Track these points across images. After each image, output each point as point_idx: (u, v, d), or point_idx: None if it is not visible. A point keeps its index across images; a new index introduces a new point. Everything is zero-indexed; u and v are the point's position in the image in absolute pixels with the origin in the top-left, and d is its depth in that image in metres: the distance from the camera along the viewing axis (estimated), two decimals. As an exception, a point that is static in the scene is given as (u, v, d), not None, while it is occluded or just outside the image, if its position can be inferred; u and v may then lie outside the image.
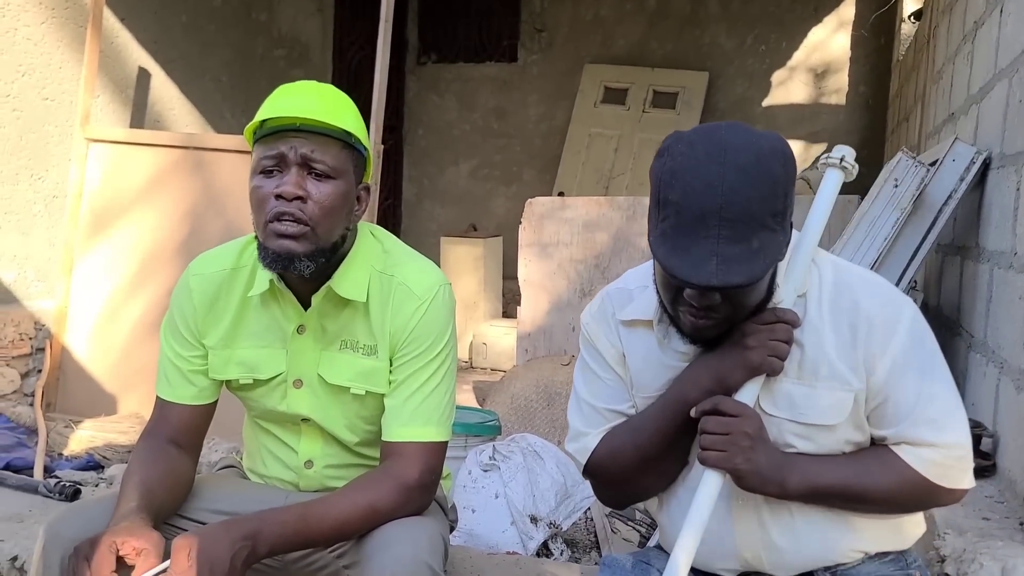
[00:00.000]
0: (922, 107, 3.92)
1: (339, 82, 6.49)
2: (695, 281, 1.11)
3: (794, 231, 1.26)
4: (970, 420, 1.93)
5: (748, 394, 1.23)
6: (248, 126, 1.41)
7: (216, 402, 1.56)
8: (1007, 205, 2.00)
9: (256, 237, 1.43)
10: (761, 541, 1.30)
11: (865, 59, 6.33)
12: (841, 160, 1.30)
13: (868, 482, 1.24)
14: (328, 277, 1.45)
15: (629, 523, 2.66)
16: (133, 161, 3.80)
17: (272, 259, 1.38)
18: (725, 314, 1.19)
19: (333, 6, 6.34)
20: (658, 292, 1.27)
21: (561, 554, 2.34)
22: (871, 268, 2.31)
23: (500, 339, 5.32)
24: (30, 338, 3.77)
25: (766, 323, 1.22)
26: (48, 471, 2.92)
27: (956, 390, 1.26)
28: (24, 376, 3.74)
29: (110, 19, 4.25)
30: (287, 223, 1.36)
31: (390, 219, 7.17)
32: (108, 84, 4.28)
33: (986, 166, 2.32)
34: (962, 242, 2.52)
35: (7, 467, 2.89)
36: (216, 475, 1.69)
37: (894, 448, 1.25)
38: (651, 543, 2.12)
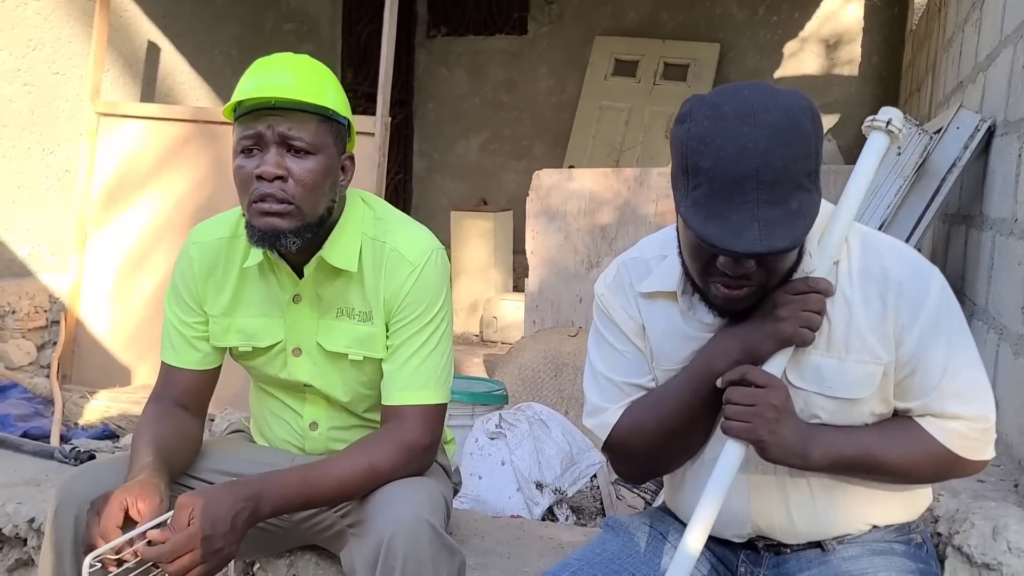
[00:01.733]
0: (932, 76, 3.88)
1: (348, 56, 6.48)
2: (739, 249, 1.07)
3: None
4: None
5: (776, 365, 1.21)
6: (226, 106, 1.40)
7: (221, 366, 1.59)
8: (1009, 172, 2.00)
9: (243, 215, 1.44)
10: (777, 511, 1.30)
11: (878, 29, 6.26)
12: (888, 123, 1.23)
13: (892, 454, 1.22)
14: (319, 247, 1.46)
15: (634, 490, 2.70)
16: (144, 135, 3.84)
17: (259, 237, 1.40)
18: (759, 282, 1.16)
19: (342, -21, 6.32)
20: (683, 263, 1.24)
21: (566, 519, 2.38)
22: (875, 236, 2.31)
23: (511, 312, 5.32)
24: (45, 311, 3.83)
25: (798, 293, 1.19)
26: (64, 440, 2.99)
27: (981, 361, 1.24)
28: (40, 348, 3.81)
29: (120, -7, 4.27)
30: (270, 203, 1.37)
31: (400, 193, 7.19)
32: (118, 58, 4.30)
33: (991, 134, 2.31)
34: (967, 211, 2.52)
35: (24, 435, 2.95)
36: (224, 438, 1.73)
37: (919, 420, 1.24)
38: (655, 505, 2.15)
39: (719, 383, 1.22)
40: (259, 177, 1.36)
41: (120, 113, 3.90)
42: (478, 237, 5.78)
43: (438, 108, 7.28)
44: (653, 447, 1.31)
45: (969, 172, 2.41)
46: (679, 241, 1.24)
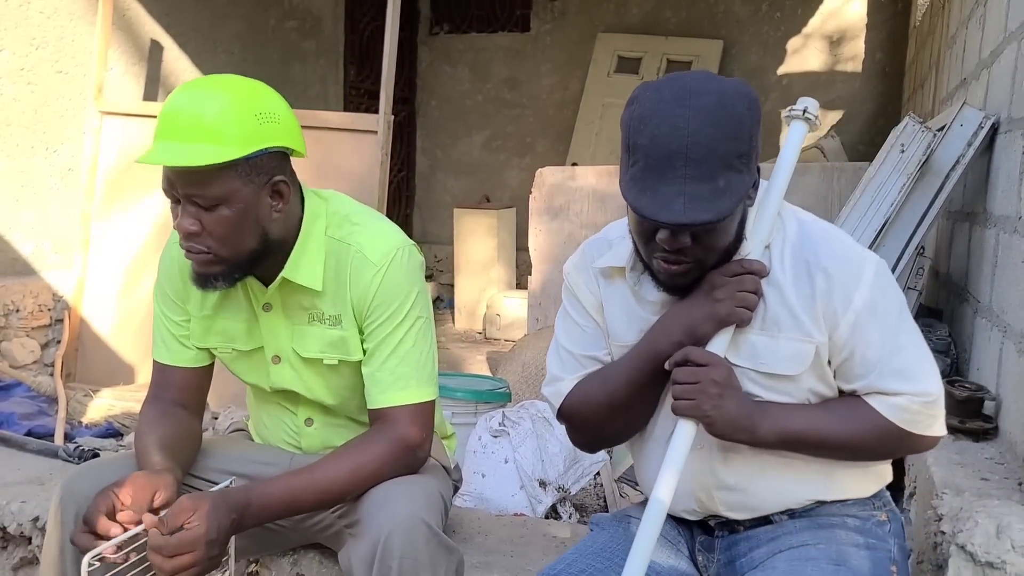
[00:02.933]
0: (936, 73, 3.87)
1: (351, 54, 6.48)
2: (663, 219, 1.15)
3: (763, 183, 1.29)
4: (972, 384, 1.95)
5: (718, 345, 1.27)
6: (139, 158, 1.37)
7: (214, 362, 1.60)
8: (1013, 169, 1.99)
9: None
10: (712, 482, 1.35)
11: (882, 25, 6.24)
12: (804, 112, 1.33)
13: (838, 429, 1.28)
14: (281, 266, 1.45)
15: (637, 487, 2.70)
16: (147, 133, 3.83)
17: (193, 279, 1.42)
18: (695, 257, 1.22)
19: (344, -23, 6.32)
20: (633, 240, 1.30)
21: (569, 517, 2.38)
22: (878, 234, 2.31)
23: (514, 310, 5.33)
24: (49, 309, 3.84)
25: (734, 274, 1.26)
26: (68, 438, 2.99)
27: (924, 342, 1.30)
28: (44, 347, 3.82)
29: (123, -8, 4.27)
30: (193, 253, 1.38)
31: (403, 191, 7.19)
32: (121, 57, 4.31)
33: (995, 131, 2.30)
34: (971, 208, 2.51)
35: (29, 434, 2.96)
36: (225, 437, 1.74)
37: (865, 398, 1.29)
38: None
39: (667, 365, 1.29)
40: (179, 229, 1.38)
41: (123, 112, 3.90)
42: (481, 234, 5.78)
43: (441, 105, 7.28)
44: (602, 418, 1.38)
45: (973, 169, 2.40)
46: (629, 218, 1.31)
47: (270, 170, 1.39)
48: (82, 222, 3.84)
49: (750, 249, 1.28)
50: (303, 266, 1.45)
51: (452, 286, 6.05)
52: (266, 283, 1.47)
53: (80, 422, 3.18)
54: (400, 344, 1.47)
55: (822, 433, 1.28)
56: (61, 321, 3.84)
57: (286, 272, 1.44)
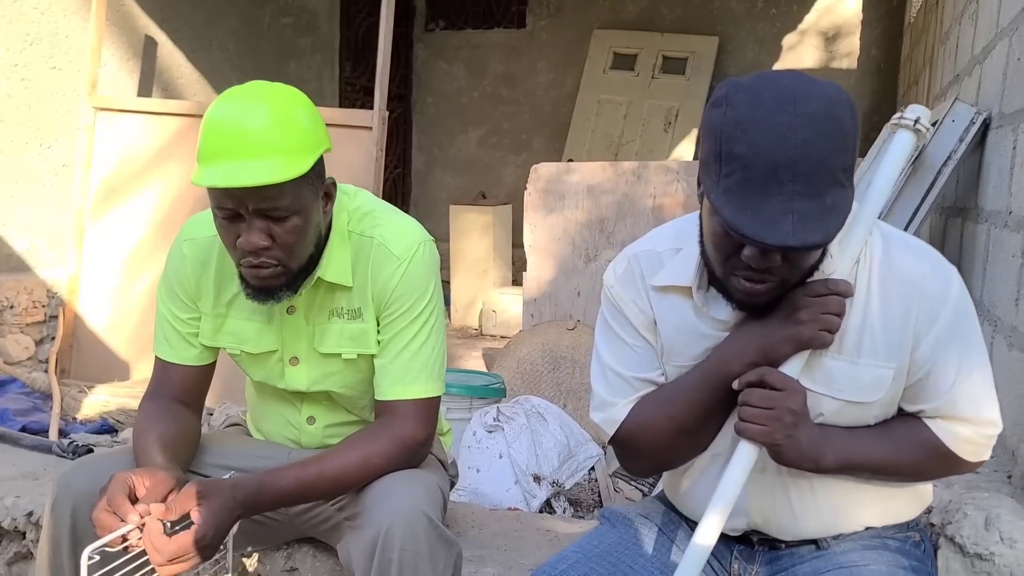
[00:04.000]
0: (930, 69, 3.88)
1: (347, 50, 6.47)
2: (771, 241, 1.04)
3: None
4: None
5: (793, 368, 1.19)
6: (194, 178, 1.32)
7: (216, 360, 1.60)
8: (1004, 164, 2.00)
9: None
10: (775, 507, 1.30)
11: (877, 22, 6.25)
12: (916, 122, 1.22)
13: (901, 457, 1.23)
14: (314, 268, 1.45)
15: (632, 482, 2.70)
16: (141, 129, 3.84)
17: (254, 294, 1.40)
18: (781, 277, 1.14)
19: (340, -27, 6.31)
20: (703, 254, 1.22)
21: (564, 512, 2.39)
22: (871, 229, 2.31)
23: (510, 306, 5.33)
24: (43, 306, 3.83)
25: (818, 295, 1.17)
26: (63, 434, 2.98)
27: (989, 364, 1.24)
28: (39, 343, 3.82)
29: (117, -13, 4.26)
30: (255, 271, 1.36)
31: (399, 188, 7.18)
32: (115, 53, 4.30)
33: (987, 126, 2.31)
34: (963, 203, 2.52)
35: (23, 430, 2.95)
36: (222, 432, 1.74)
37: (928, 422, 1.24)
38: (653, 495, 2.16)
39: (736, 385, 1.21)
40: (243, 249, 1.34)
41: (118, 108, 3.90)
42: (477, 231, 5.77)
43: (437, 102, 7.26)
44: (663, 444, 1.30)
45: (965, 165, 2.41)
46: (701, 231, 1.22)
47: (322, 173, 1.41)
48: (76, 218, 3.83)
49: (836, 267, 1.18)
50: (333, 263, 1.45)
51: (448, 283, 6.05)
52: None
53: (75, 418, 3.17)
54: (414, 339, 1.48)
55: (884, 461, 1.24)
56: (56, 317, 3.84)
57: (320, 272, 1.44)
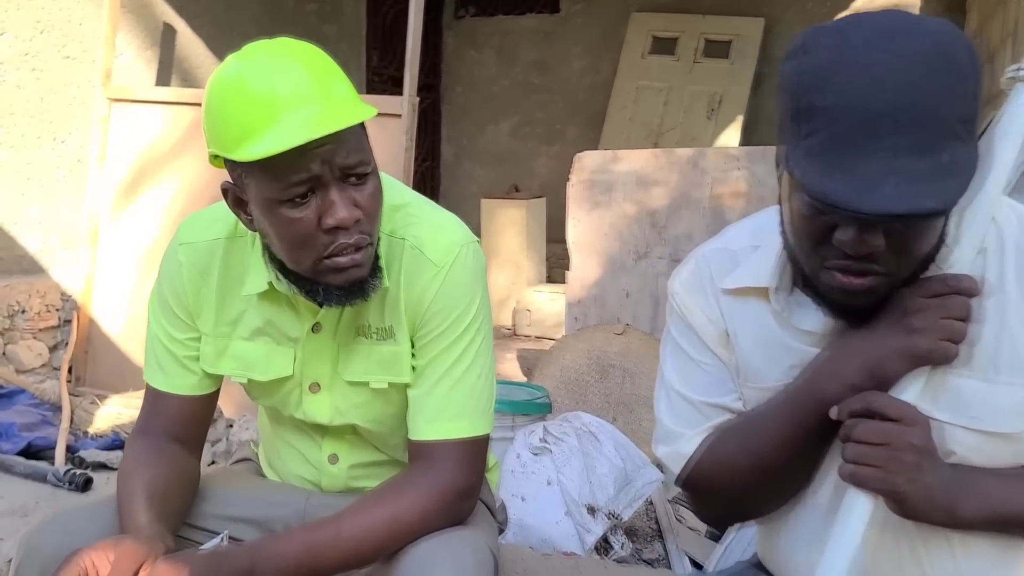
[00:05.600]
0: (1013, 44, 3.53)
1: (373, 38, 6.24)
2: (869, 208, 0.81)
3: None
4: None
5: (910, 391, 0.93)
6: (245, 155, 1.03)
7: (219, 388, 1.33)
8: None
9: (285, 268, 1.15)
10: (892, 571, 1.01)
11: (936, -1, 5.87)
12: None
13: None
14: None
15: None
16: (159, 120, 3.61)
17: (342, 297, 1.13)
18: (888, 269, 0.89)
19: (366, -43, 6.07)
20: (786, 245, 0.97)
21: (622, 547, 2.11)
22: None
23: (545, 305, 5.09)
24: (57, 309, 3.62)
25: (936, 295, 0.91)
26: (71, 451, 2.78)
27: None
28: (52, 349, 3.61)
29: (132, -28, 4.04)
30: (350, 254, 1.09)
31: (428, 181, 6.94)
32: (132, 41, 4.08)
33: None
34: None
35: (28, 447, 2.75)
36: (228, 472, 1.47)
37: None
38: (727, 540, 1.88)
39: (835, 413, 0.94)
40: (334, 229, 1.07)
41: (133, 98, 3.67)
42: (510, 225, 5.54)
43: (466, 92, 7.02)
44: (742, 487, 1.05)
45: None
46: (781, 218, 0.97)
47: None
48: (90, 216, 3.62)
49: (956, 258, 0.93)
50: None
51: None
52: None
53: (85, 432, 2.95)
54: (456, 364, 1.20)
55: None
56: (70, 322, 3.63)
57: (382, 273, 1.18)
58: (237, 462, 1.52)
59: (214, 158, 1.13)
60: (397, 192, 1.26)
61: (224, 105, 1.07)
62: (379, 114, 3.07)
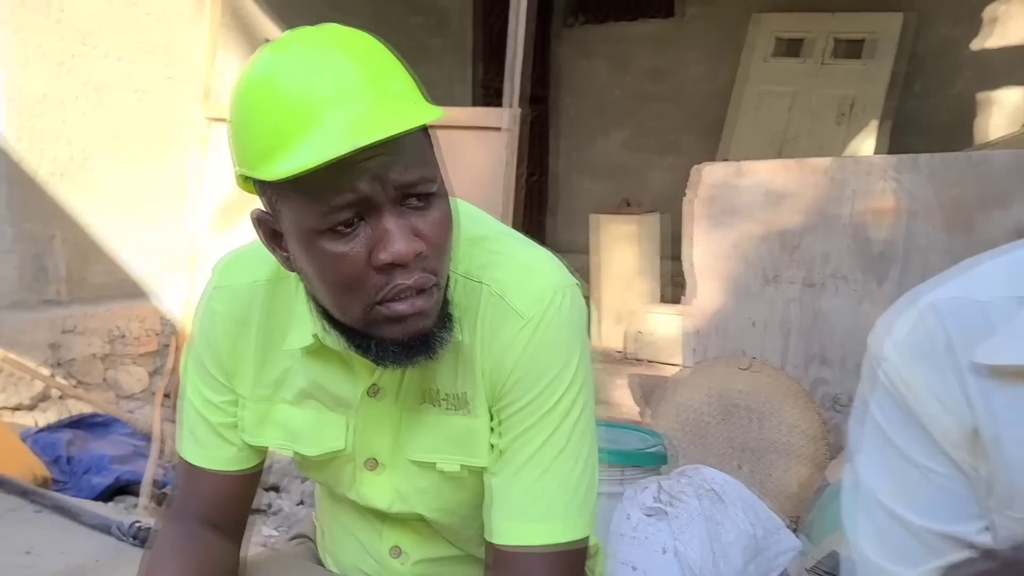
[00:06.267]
0: None
1: (481, 51, 6.11)
2: None
3: None
4: None
5: None
6: (274, 174, 0.81)
7: (263, 463, 1.11)
8: None
9: (332, 317, 0.91)
10: None
11: (1106, -17, 5.21)
12: None
13: None
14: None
15: (838, 582, 2.06)
16: (256, 141, 3.52)
17: (398, 353, 0.87)
18: None
19: (473, -32, 5.95)
20: None
21: (753, 634, 1.78)
22: None
23: (659, 327, 4.76)
24: (156, 334, 3.58)
25: None
26: (160, 485, 2.68)
27: None
28: (152, 374, 3.56)
29: (234, -10, 3.99)
30: (410, 299, 0.85)
31: (536, 196, 6.75)
32: (234, 60, 4.03)
33: None
34: None
35: (116, 481, 2.66)
36: (277, 560, 1.24)
37: None
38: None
39: None
40: (390, 265, 0.83)
41: (232, 117, 3.60)
42: (622, 242, 5.26)
43: (576, 102, 6.79)
44: None
45: None
46: None
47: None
48: (189, 238, 3.56)
49: None
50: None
51: (588, 299, 5.59)
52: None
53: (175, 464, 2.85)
54: (546, 445, 0.93)
55: None
56: (168, 347, 3.58)
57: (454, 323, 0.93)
58: (295, 538, 1.29)
59: (243, 180, 0.90)
60: (475, 221, 1.00)
61: (249, 110, 0.84)
62: (479, 127, 2.80)
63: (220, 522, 1.07)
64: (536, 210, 6.73)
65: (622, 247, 5.25)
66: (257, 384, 1.03)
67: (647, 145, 6.53)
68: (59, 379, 3.21)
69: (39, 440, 2.87)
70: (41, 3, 3.31)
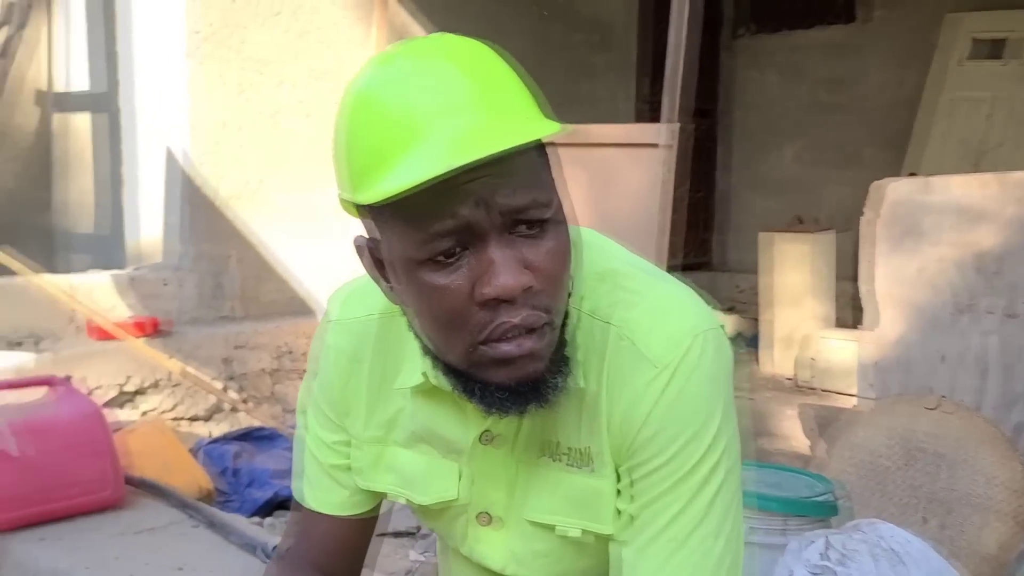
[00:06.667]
0: None
1: (645, 65, 6.00)
2: None
3: None
4: None
5: None
6: (368, 198, 0.74)
7: (379, 509, 1.05)
8: None
9: (436, 357, 0.84)
10: None
11: None
12: None
13: None
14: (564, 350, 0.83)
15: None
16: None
17: (504, 399, 0.79)
18: None
19: (638, -19, 5.88)
20: None
21: None
22: None
23: (834, 353, 4.48)
24: (321, 350, 3.72)
25: None
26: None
27: None
28: (319, 389, 3.70)
29: (401, 14, 4.10)
30: (519, 340, 0.77)
31: (700, 213, 6.55)
32: (398, 83, 4.15)
33: None
34: None
35: (275, 496, 2.75)
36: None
37: None
38: None
39: None
40: (494, 301, 0.75)
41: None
42: (793, 262, 5.00)
43: (745, 115, 6.56)
44: None
45: None
46: None
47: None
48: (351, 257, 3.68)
49: None
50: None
51: (756, 320, 5.33)
52: None
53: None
54: (682, 515, 0.81)
55: None
56: (331, 362, 3.70)
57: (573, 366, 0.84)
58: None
59: (346, 204, 0.84)
60: (605, 253, 0.90)
61: (349, 128, 0.78)
62: (634, 144, 2.68)
63: (331, 568, 1.02)
64: (700, 229, 6.52)
65: (793, 267, 5.01)
66: (369, 424, 0.98)
67: (823, 159, 6.22)
68: (231, 393, 3.38)
69: (211, 451, 3.02)
70: (225, 36, 3.53)
